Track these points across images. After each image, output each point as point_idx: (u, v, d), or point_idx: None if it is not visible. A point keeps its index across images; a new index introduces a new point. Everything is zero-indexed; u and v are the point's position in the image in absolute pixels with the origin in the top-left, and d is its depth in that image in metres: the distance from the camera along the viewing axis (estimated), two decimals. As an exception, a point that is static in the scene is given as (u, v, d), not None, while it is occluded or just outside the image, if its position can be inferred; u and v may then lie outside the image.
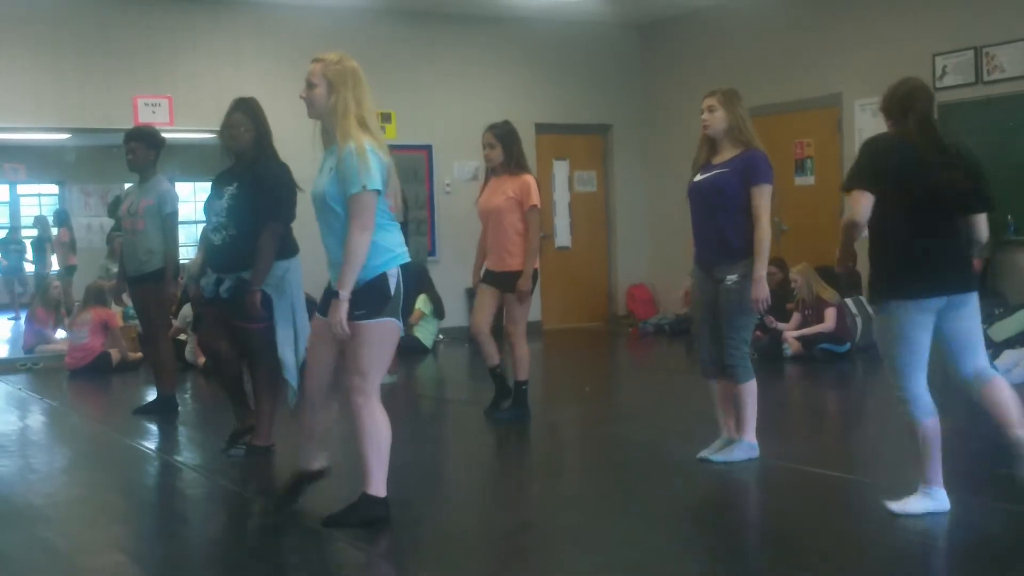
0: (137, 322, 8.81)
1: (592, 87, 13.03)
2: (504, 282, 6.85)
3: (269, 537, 4.81)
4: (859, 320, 9.64)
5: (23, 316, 14.64)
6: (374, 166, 4.33)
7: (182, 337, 9.95)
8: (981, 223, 4.49)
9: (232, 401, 6.29)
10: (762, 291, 5.31)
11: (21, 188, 20.21)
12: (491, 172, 7.02)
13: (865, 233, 4.41)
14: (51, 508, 5.24)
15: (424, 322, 10.93)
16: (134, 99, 10.77)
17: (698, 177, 5.55)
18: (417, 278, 9.52)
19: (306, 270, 5.98)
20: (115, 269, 11.30)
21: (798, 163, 11.47)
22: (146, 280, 7.42)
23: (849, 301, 9.66)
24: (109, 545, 4.61)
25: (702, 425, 6.12)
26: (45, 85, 10.55)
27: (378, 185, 4.34)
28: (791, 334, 9.54)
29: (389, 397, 5.29)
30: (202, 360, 9.77)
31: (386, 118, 11.35)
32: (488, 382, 7.08)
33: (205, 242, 6.14)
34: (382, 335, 4.43)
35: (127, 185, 10.54)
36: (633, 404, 8.18)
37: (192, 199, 18.11)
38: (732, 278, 5.39)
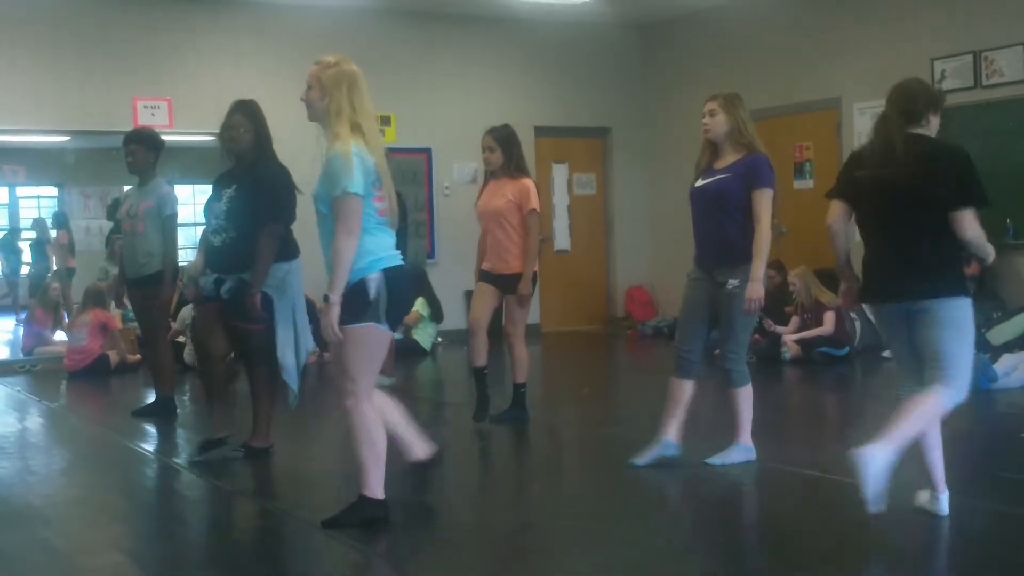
0: (136, 324, 8.82)
1: (591, 90, 13.04)
2: (503, 284, 6.85)
3: (268, 538, 4.81)
4: (858, 324, 9.65)
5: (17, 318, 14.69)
6: (356, 170, 4.33)
7: (181, 339, 9.94)
8: (959, 222, 4.26)
9: (210, 404, 6.27)
10: (758, 291, 5.31)
11: (20, 190, 20.22)
12: (490, 175, 7.02)
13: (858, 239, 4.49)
14: (50, 509, 5.24)
15: (422, 325, 10.93)
16: (134, 101, 10.78)
17: (700, 182, 5.55)
18: (414, 281, 9.52)
19: (306, 272, 5.98)
20: (114, 271, 11.33)
21: (797, 166, 11.49)
22: (145, 282, 7.42)
23: (848, 304, 9.66)
24: (108, 545, 4.61)
25: (701, 427, 6.12)
26: (45, 87, 10.56)
27: (358, 189, 4.32)
28: (790, 337, 9.55)
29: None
30: (201, 362, 9.78)
31: (385, 120, 11.36)
32: (488, 384, 7.06)
33: (205, 244, 6.14)
34: (363, 339, 4.41)
35: (126, 187, 10.58)
36: (632, 406, 8.18)
37: (192, 201, 18.13)
38: (734, 282, 5.40)
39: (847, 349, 9.52)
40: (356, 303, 4.35)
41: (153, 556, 4.55)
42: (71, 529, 4.91)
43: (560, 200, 13.16)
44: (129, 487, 5.86)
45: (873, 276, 4.45)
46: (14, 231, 18.31)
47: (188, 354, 9.92)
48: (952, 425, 4.53)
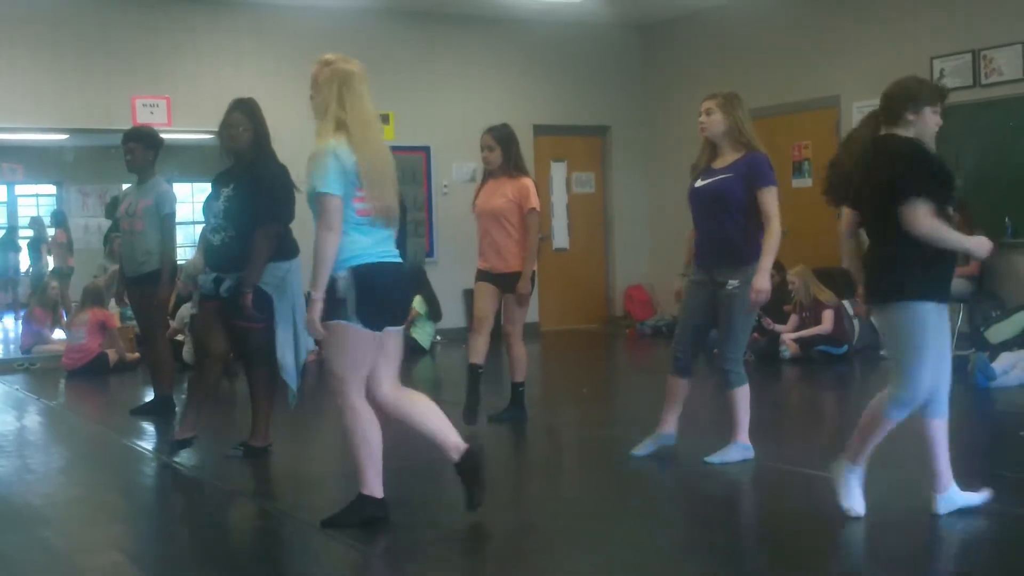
0: (135, 323, 8.82)
1: (591, 88, 13.04)
2: (502, 283, 6.85)
3: (267, 538, 4.81)
4: (856, 322, 9.65)
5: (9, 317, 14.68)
6: (330, 169, 4.32)
7: (179, 338, 9.94)
8: (905, 218, 4.20)
9: (187, 403, 6.28)
10: (765, 282, 5.31)
11: (19, 188, 20.19)
12: (488, 174, 7.01)
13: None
14: (49, 508, 5.24)
15: (420, 323, 10.93)
16: (132, 99, 10.77)
17: (700, 182, 5.55)
18: (412, 279, 9.52)
19: (306, 271, 5.97)
20: (113, 268, 11.33)
21: (796, 165, 11.49)
22: (144, 281, 7.42)
23: (847, 303, 9.67)
24: (107, 545, 4.61)
25: (700, 426, 6.13)
26: (44, 85, 10.55)
27: (329, 188, 4.32)
28: (789, 336, 9.56)
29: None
30: (200, 361, 9.79)
31: (384, 119, 11.34)
32: (485, 384, 7.05)
33: (204, 242, 6.14)
34: (339, 337, 4.42)
35: (125, 186, 10.56)
36: (631, 406, 8.18)
37: (190, 200, 18.11)
38: (734, 283, 5.40)
39: (846, 348, 9.53)
40: (327, 302, 4.37)
41: (152, 556, 4.55)
42: (70, 528, 4.91)
43: (559, 199, 13.16)
44: (128, 486, 5.86)
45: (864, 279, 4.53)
46: (12, 229, 18.27)
47: (187, 352, 9.93)
48: (950, 424, 4.53)
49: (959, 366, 8.14)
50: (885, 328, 4.52)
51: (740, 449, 5.53)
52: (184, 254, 13.71)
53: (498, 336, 7.03)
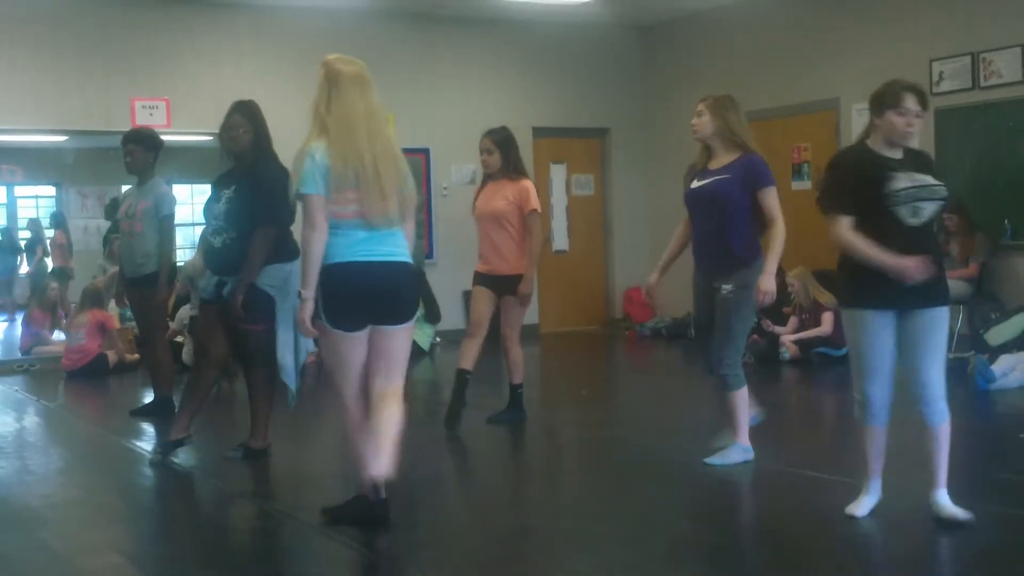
0: (134, 324, 8.81)
1: (590, 90, 13.04)
2: (501, 286, 6.85)
3: (266, 538, 4.81)
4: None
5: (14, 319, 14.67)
6: (306, 169, 4.34)
7: (179, 339, 9.94)
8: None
9: (182, 404, 6.27)
10: (769, 284, 5.31)
11: (18, 190, 20.21)
12: (488, 177, 7.01)
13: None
14: (48, 509, 5.24)
15: (419, 325, 10.92)
16: (132, 101, 10.77)
17: (695, 184, 5.56)
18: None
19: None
20: (112, 270, 11.33)
21: (795, 167, 11.49)
22: (143, 282, 7.42)
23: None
24: (107, 546, 4.61)
25: (699, 428, 6.13)
26: (44, 87, 10.55)
27: (307, 188, 4.33)
28: (788, 338, 9.55)
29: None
30: (199, 362, 9.78)
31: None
32: (483, 386, 7.07)
33: (205, 245, 6.14)
34: (322, 337, 4.50)
35: (124, 187, 10.58)
36: (630, 407, 8.18)
37: (190, 201, 18.12)
38: (727, 287, 5.41)
39: (845, 349, 9.49)
40: (316, 302, 4.41)
41: (151, 557, 4.55)
42: (69, 530, 4.91)
43: (558, 201, 13.16)
44: (127, 487, 5.86)
45: None
46: (9, 231, 18.27)
47: (186, 354, 9.92)
48: (951, 427, 4.53)
49: (959, 368, 8.20)
50: None
51: (740, 451, 5.53)
52: (184, 256, 13.71)
53: (496, 338, 7.02)
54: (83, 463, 6.56)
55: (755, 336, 9.14)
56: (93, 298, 10.19)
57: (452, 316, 11.61)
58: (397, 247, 4.47)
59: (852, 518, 4.49)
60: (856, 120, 10.63)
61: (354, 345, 4.46)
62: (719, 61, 12.00)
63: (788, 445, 6.26)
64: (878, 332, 4.40)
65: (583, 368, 10.79)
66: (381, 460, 4.26)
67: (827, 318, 9.41)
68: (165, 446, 6.18)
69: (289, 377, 5.90)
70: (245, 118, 5.99)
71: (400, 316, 4.50)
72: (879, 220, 4.33)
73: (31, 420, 8.15)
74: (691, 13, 12.47)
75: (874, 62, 10.28)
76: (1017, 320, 8.63)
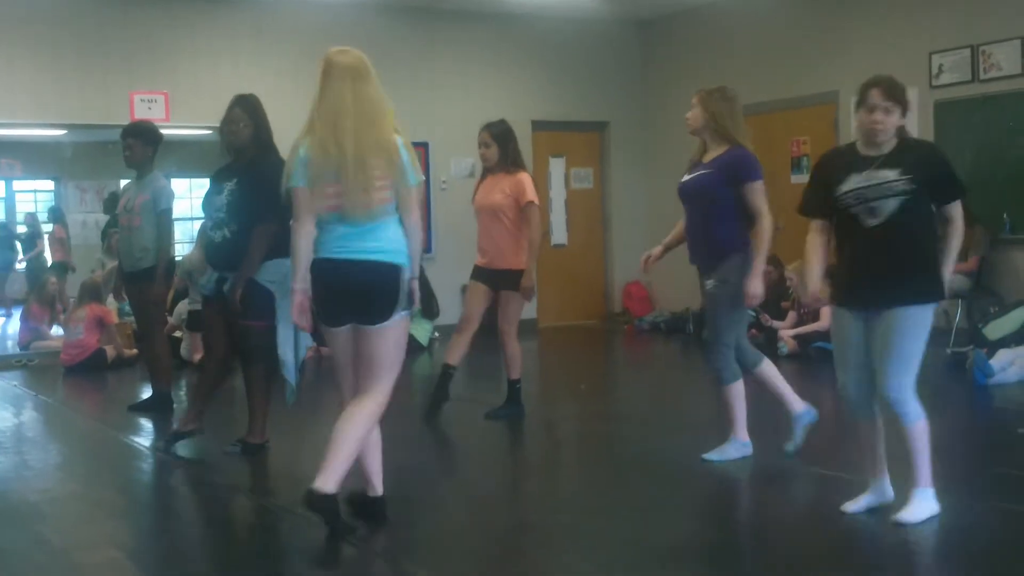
0: (133, 319, 8.81)
1: (590, 84, 13.02)
2: (500, 280, 6.85)
3: (265, 533, 4.81)
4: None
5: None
6: (294, 163, 4.36)
7: (177, 334, 9.94)
8: None
9: (194, 398, 6.27)
10: (755, 287, 5.30)
11: (17, 184, 20.18)
12: (487, 170, 7.01)
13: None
14: (47, 504, 5.23)
15: (417, 321, 10.90)
16: (131, 95, 10.75)
17: (686, 177, 5.58)
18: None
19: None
20: (111, 264, 11.31)
21: (794, 161, 11.48)
22: (142, 277, 7.40)
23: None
24: (105, 541, 4.61)
25: (698, 423, 6.13)
26: (43, 81, 10.53)
27: (294, 182, 4.34)
28: (787, 332, 9.55)
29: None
30: (197, 357, 9.77)
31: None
32: (481, 382, 7.07)
33: (205, 240, 6.13)
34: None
35: (123, 182, 10.54)
36: (629, 402, 8.18)
37: (188, 195, 18.09)
38: (711, 282, 5.42)
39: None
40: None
41: (149, 552, 4.55)
42: (67, 525, 4.91)
43: (557, 194, 13.15)
44: (126, 482, 5.86)
45: None
46: (6, 226, 18.24)
47: (185, 349, 9.93)
48: (949, 422, 4.54)
49: (957, 363, 8.20)
50: None
51: (738, 446, 5.53)
52: (182, 250, 13.70)
53: (494, 333, 7.02)
54: (81, 458, 6.56)
55: (753, 331, 9.13)
56: (91, 292, 10.18)
57: (451, 311, 11.58)
58: (379, 243, 4.32)
59: (846, 514, 4.49)
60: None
61: (338, 340, 4.43)
62: (718, 55, 11.99)
63: (786, 440, 6.25)
64: (846, 326, 4.47)
65: (582, 363, 10.79)
66: (322, 470, 4.21)
67: (825, 313, 9.39)
68: (170, 437, 6.17)
69: (290, 373, 5.90)
70: (246, 112, 5.98)
71: (372, 316, 4.33)
72: (840, 222, 4.45)
73: (29, 415, 8.15)
74: (690, 7, 12.45)
75: (873, 55, 10.27)
76: (1016, 315, 8.62)
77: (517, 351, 6.93)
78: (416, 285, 4.41)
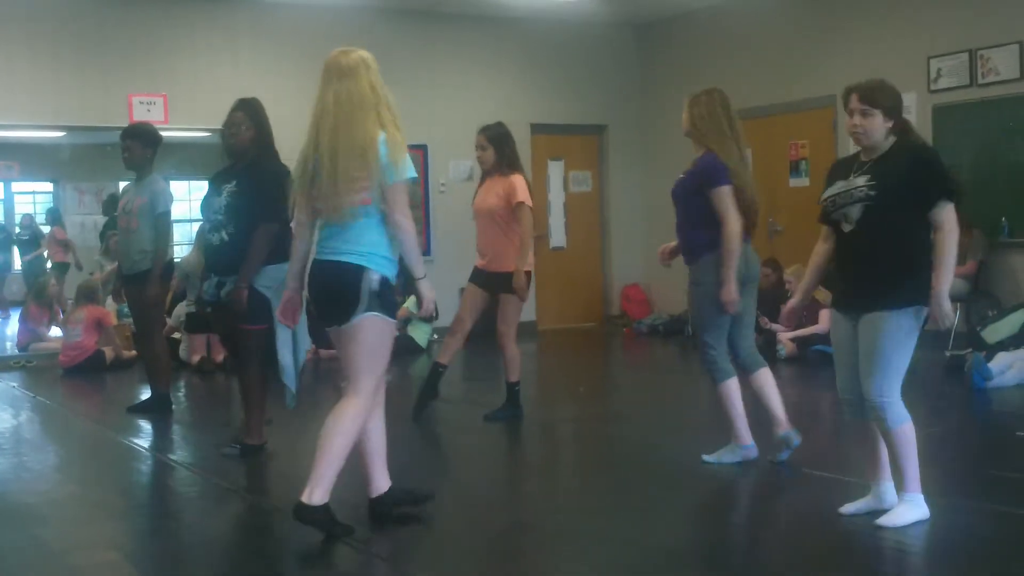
0: (131, 320, 8.81)
1: (588, 87, 13.03)
2: (497, 283, 6.87)
3: (263, 535, 4.80)
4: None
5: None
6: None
7: (176, 336, 9.94)
8: None
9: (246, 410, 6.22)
10: (728, 294, 5.31)
11: (15, 186, 20.18)
12: (486, 173, 7.05)
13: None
14: (45, 506, 5.23)
15: (416, 323, 10.91)
16: (129, 97, 10.75)
17: (677, 180, 5.64)
18: (405, 278, 9.52)
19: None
20: (109, 266, 11.32)
21: (793, 164, 11.49)
22: (140, 279, 7.40)
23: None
24: (103, 543, 4.61)
25: (697, 424, 6.13)
26: (42, 83, 10.53)
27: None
28: (785, 335, 9.55)
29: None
30: (196, 358, 9.79)
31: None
32: (480, 383, 7.07)
33: (204, 242, 6.12)
34: None
35: (122, 183, 10.55)
36: (628, 404, 8.18)
37: (187, 198, 18.10)
38: (689, 284, 5.45)
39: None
40: None
41: (148, 553, 4.54)
42: (66, 526, 4.90)
43: (556, 197, 13.16)
44: (124, 484, 5.85)
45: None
46: (4, 227, 18.24)
47: (183, 350, 9.93)
48: (947, 425, 4.55)
49: (956, 366, 8.20)
50: None
51: (736, 451, 5.52)
52: (181, 252, 13.70)
53: (492, 336, 7.04)
54: (80, 460, 6.56)
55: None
56: (88, 294, 10.18)
57: (450, 313, 11.54)
58: (348, 244, 4.29)
59: (844, 516, 4.49)
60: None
61: (334, 339, 4.49)
62: (716, 58, 11.99)
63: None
64: (839, 329, 4.52)
65: (580, 365, 10.79)
66: (309, 482, 4.26)
67: (824, 315, 9.40)
68: (243, 448, 6.08)
69: (289, 378, 5.89)
70: (248, 115, 5.99)
71: (337, 317, 4.33)
72: (832, 228, 4.50)
73: (28, 417, 8.14)
74: (688, 10, 12.46)
75: (872, 59, 10.27)
76: (1014, 318, 8.63)
77: (516, 353, 6.94)
78: (426, 286, 4.37)
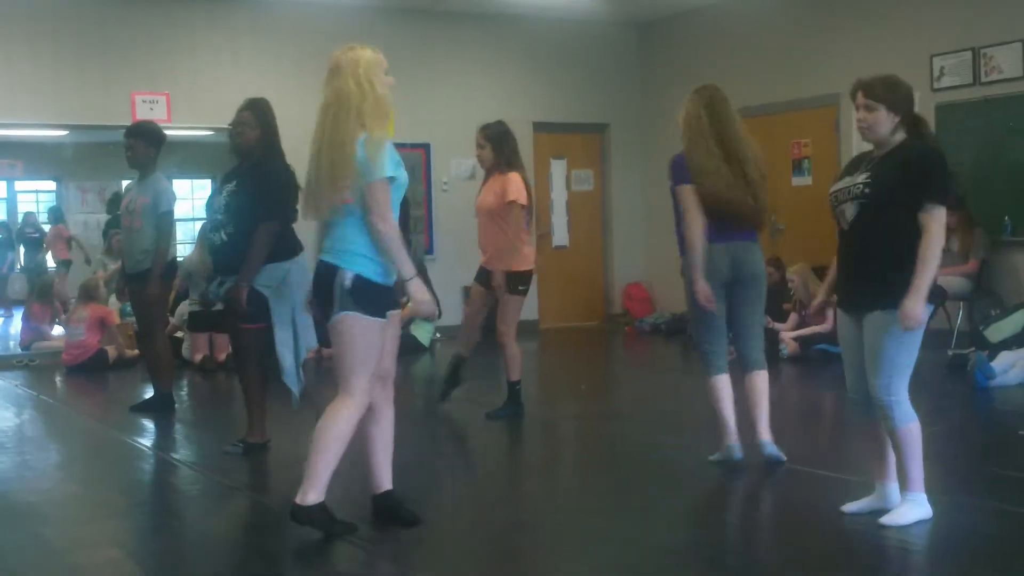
0: (134, 319, 8.82)
1: (590, 86, 13.03)
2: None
3: (266, 533, 4.81)
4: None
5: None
6: None
7: (179, 335, 9.94)
8: None
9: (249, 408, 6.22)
10: (696, 293, 5.31)
11: (18, 185, 20.19)
12: (487, 172, 7.07)
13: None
14: (47, 505, 5.24)
15: (419, 321, 10.91)
16: (132, 96, 10.76)
17: None
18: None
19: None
20: (112, 265, 11.32)
21: (795, 163, 11.48)
22: (143, 278, 7.40)
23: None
24: (106, 541, 4.61)
25: (698, 424, 6.12)
26: (44, 81, 10.54)
27: None
28: (788, 334, 9.54)
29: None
30: (198, 357, 9.79)
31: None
32: (482, 382, 7.08)
33: (206, 242, 6.13)
34: None
35: (124, 182, 10.57)
36: (630, 403, 8.18)
37: (190, 196, 18.10)
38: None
39: (844, 346, 9.50)
40: None
41: (150, 552, 4.55)
42: (68, 525, 4.91)
43: (558, 196, 13.16)
44: (127, 483, 5.86)
45: None
46: (7, 225, 18.24)
47: (186, 349, 9.94)
48: (950, 424, 4.54)
49: (959, 365, 8.20)
50: None
51: (726, 450, 5.50)
52: (184, 251, 13.70)
53: (488, 334, 7.07)
54: (82, 458, 6.56)
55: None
56: (91, 293, 10.19)
57: (452, 312, 11.60)
58: (330, 242, 4.33)
59: (846, 515, 4.49)
60: (855, 116, 10.62)
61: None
62: (718, 57, 11.99)
63: (788, 442, 6.24)
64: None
65: (582, 364, 10.79)
66: (303, 483, 4.28)
67: (827, 314, 9.39)
68: (246, 446, 6.10)
69: (290, 379, 5.89)
70: (254, 115, 5.99)
71: (324, 316, 4.38)
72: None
73: (31, 415, 8.15)
74: (690, 9, 12.46)
75: (874, 58, 10.26)
76: (1017, 317, 8.62)
77: (516, 352, 6.95)
78: (414, 286, 4.26)
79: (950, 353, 8.58)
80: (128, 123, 8.20)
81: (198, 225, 11.78)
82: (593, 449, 6.46)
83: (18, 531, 4.76)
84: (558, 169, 13.16)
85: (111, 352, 9.97)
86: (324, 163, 4.24)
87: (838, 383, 8.73)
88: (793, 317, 9.70)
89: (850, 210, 4.33)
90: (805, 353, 9.38)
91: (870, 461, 4.58)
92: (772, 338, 9.58)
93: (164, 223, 7.36)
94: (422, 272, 10.76)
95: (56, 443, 7.11)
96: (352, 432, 4.33)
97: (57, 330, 11.36)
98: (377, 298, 4.28)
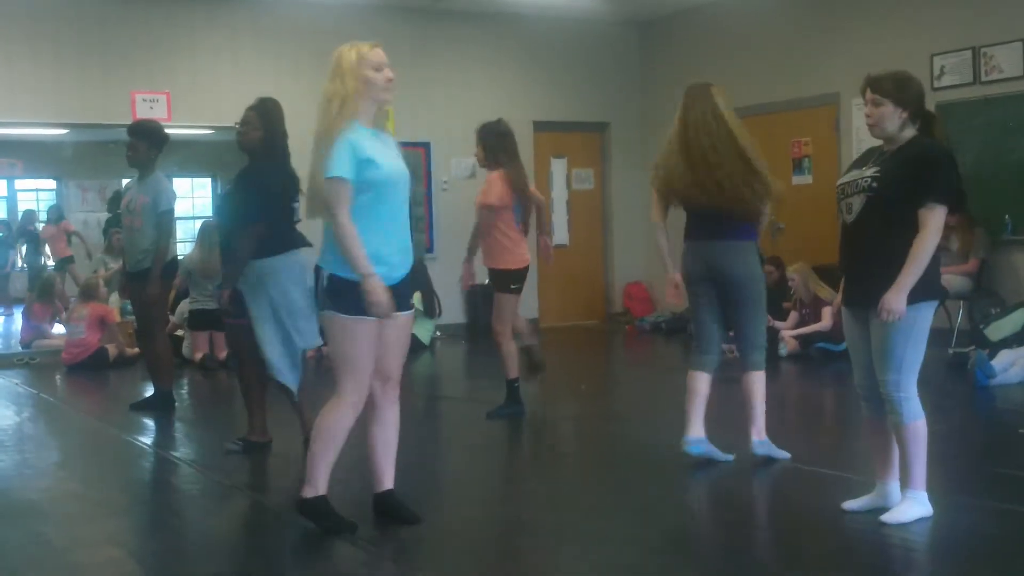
0: (134, 318, 8.82)
1: (590, 85, 13.03)
2: (491, 279, 6.95)
3: (266, 532, 4.81)
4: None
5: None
6: None
7: (179, 333, 9.94)
8: None
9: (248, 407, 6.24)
10: (666, 293, 5.40)
11: (18, 183, 20.19)
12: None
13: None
14: (47, 503, 5.24)
15: (419, 319, 10.91)
16: (132, 95, 10.76)
17: None
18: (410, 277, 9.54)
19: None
20: (113, 265, 11.33)
21: (796, 162, 11.48)
22: (143, 276, 7.41)
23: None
24: (105, 540, 4.61)
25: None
26: (44, 80, 10.54)
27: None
28: (788, 333, 9.55)
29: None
30: (199, 356, 9.79)
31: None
32: (482, 381, 7.08)
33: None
34: None
35: (124, 181, 10.57)
36: (630, 402, 8.18)
37: (190, 195, 18.10)
38: None
39: (844, 345, 9.50)
40: None
41: (150, 550, 4.55)
42: (68, 523, 4.91)
43: (559, 195, 13.16)
44: (127, 481, 5.86)
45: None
46: (8, 224, 18.23)
47: (186, 348, 9.94)
48: (951, 422, 4.54)
49: (959, 363, 8.20)
50: None
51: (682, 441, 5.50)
52: (184, 250, 13.69)
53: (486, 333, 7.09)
54: (82, 457, 6.57)
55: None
56: (91, 291, 10.19)
57: (452, 311, 11.61)
58: (323, 243, 4.38)
59: (847, 512, 4.49)
60: (856, 115, 10.63)
61: None
62: (719, 56, 11.99)
63: (788, 441, 6.24)
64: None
65: (582, 363, 10.79)
66: (305, 479, 4.41)
67: (827, 313, 9.39)
68: (247, 444, 6.10)
69: (283, 375, 5.86)
70: (259, 115, 5.98)
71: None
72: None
73: (31, 413, 8.15)
74: (690, 8, 12.46)
75: (875, 56, 10.24)
76: (1017, 315, 8.62)
77: (511, 350, 6.95)
78: (368, 285, 4.12)
79: (951, 352, 8.58)
80: (128, 122, 8.18)
81: (198, 223, 11.78)
82: (593, 448, 6.46)
83: (18, 529, 4.76)
84: (558, 168, 13.16)
85: (111, 350, 9.98)
86: (314, 164, 4.27)
87: (838, 381, 8.79)
88: (793, 315, 9.70)
89: (857, 203, 4.31)
90: (805, 351, 9.38)
91: (874, 459, 4.57)
92: (772, 336, 9.59)
93: (164, 222, 7.36)
94: (422, 272, 10.88)
95: (56, 441, 7.11)
96: (344, 430, 4.36)
97: (57, 328, 11.35)
98: (355, 296, 4.19)
